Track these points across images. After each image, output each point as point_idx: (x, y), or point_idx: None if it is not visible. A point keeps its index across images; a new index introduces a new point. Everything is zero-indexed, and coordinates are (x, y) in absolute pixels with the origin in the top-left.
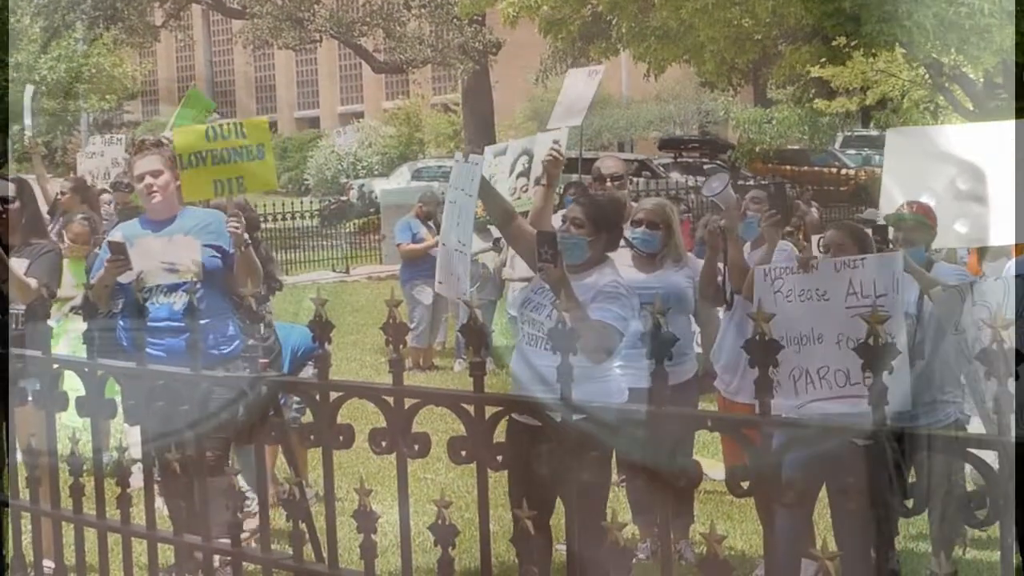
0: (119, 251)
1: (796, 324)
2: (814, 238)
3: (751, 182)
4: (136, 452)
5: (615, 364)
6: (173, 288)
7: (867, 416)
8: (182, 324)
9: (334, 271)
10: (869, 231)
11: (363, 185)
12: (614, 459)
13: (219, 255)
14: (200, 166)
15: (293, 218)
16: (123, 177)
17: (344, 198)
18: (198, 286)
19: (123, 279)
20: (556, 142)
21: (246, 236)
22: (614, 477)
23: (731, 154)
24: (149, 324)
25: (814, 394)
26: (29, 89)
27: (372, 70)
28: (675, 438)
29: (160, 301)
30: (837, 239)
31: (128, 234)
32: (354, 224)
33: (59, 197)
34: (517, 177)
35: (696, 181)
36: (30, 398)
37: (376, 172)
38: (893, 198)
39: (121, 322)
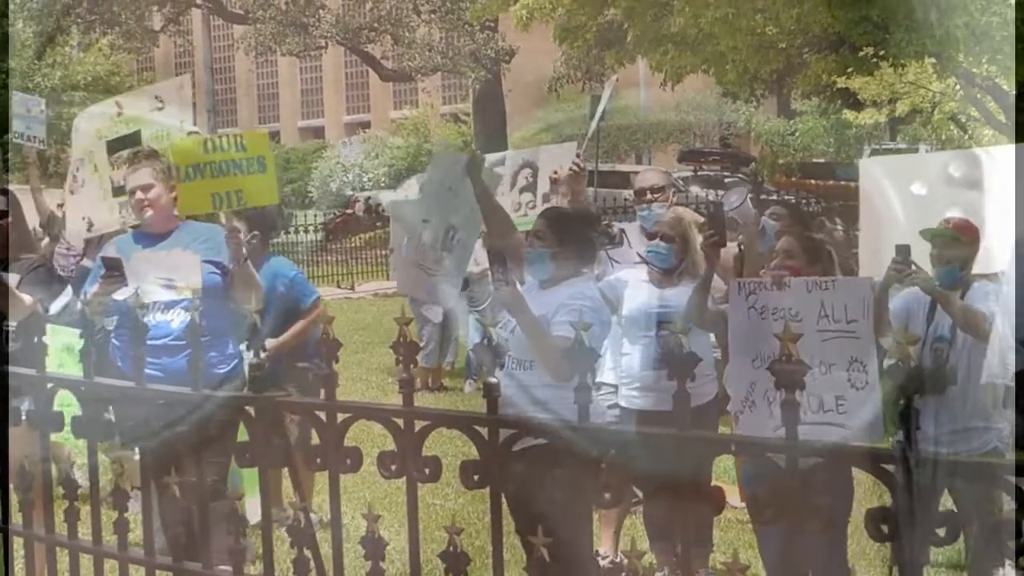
0: (114, 267)
1: (769, 344)
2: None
3: (774, 196)
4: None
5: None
6: (170, 305)
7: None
8: (179, 343)
9: (339, 287)
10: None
11: (369, 198)
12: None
13: (218, 271)
14: (198, 179)
15: (296, 232)
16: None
17: (349, 211)
18: (197, 303)
19: (118, 295)
20: (578, 155)
21: (244, 251)
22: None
23: (753, 167)
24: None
25: None
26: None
27: (379, 78)
28: (696, 462)
29: (157, 319)
30: (785, 246)
31: (121, 248)
32: (360, 238)
33: (60, 210)
34: (521, 192)
35: (717, 195)
36: (24, 418)
37: (383, 184)
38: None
39: (115, 340)
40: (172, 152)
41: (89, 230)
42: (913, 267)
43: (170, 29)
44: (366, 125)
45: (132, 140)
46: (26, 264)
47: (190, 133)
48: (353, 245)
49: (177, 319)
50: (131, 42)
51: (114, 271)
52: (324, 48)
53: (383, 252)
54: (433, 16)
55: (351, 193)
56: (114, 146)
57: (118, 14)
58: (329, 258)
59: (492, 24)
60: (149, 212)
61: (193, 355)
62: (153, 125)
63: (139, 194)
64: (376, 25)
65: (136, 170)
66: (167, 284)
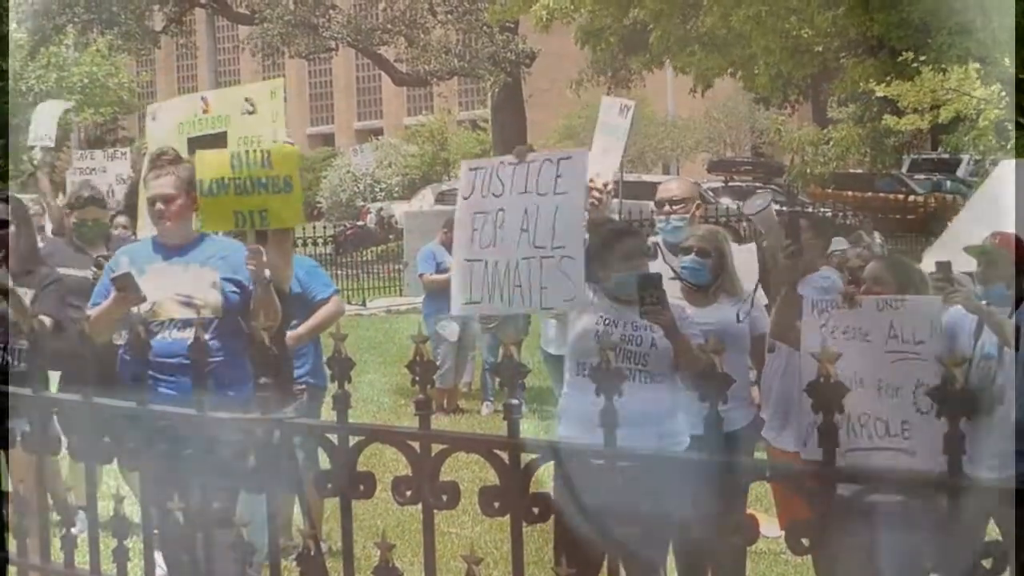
0: (126, 287)
1: (839, 364)
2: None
3: (809, 208)
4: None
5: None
6: (188, 323)
7: (910, 472)
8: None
9: (349, 304)
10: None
11: (381, 209)
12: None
13: (238, 290)
14: (221, 195)
15: (304, 244)
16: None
17: (360, 223)
18: (214, 322)
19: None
20: (592, 181)
21: (266, 273)
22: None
23: (787, 177)
24: (160, 360)
25: (853, 443)
26: (56, 105)
27: (393, 82)
28: (730, 490)
29: (173, 336)
30: (874, 272)
31: (138, 258)
32: (371, 252)
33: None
34: None
35: (739, 205)
36: (19, 439)
37: (396, 195)
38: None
39: (126, 356)
40: (197, 164)
41: None
42: (955, 284)
43: (172, 30)
44: (378, 132)
45: (218, 141)
46: (39, 279)
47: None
48: (364, 259)
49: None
50: (131, 43)
51: (126, 291)
52: (334, 50)
53: (396, 266)
54: (450, 17)
55: (362, 204)
56: (196, 144)
57: (117, 14)
58: (339, 272)
59: (512, 26)
60: (168, 224)
61: (197, 374)
62: (243, 129)
63: (159, 205)
64: (389, 26)
65: (159, 176)
66: (185, 301)
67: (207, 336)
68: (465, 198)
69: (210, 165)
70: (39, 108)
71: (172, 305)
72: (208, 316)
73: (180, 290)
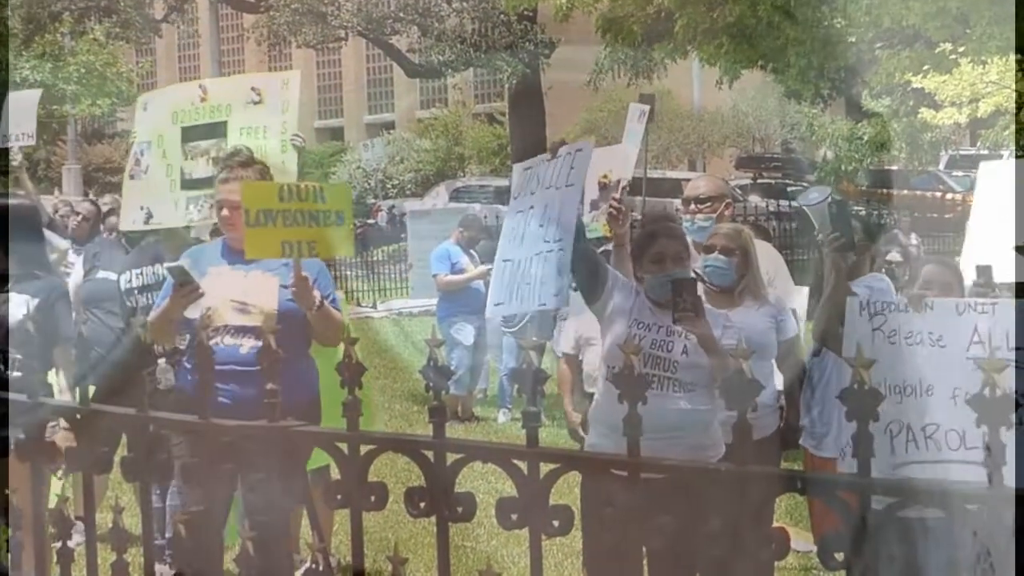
0: (183, 277)
1: (898, 371)
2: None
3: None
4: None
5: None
6: (241, 329)
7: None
8: (251, 370)
9: (359, 305)
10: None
11: (393, 207)
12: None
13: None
14: (268, 225)
15: None
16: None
17: (371, 221)
18: (271, 326)
19: (190, 313)
20: (615, 197)
21: (316, 296)
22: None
23: (819, 174)
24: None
25: (915, 455)
26: (29, 96)
27: (405, 73)
28: (758, 501)
29: (227, 342)
30: (941, 277)
31: (202, 260)
32: (383, 251)
33: (69, 221)
34: None
35: (779, 205)
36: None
37: (408, 192)
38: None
39: (187, 364)
40: (243, 193)
41: (147, 222)
42: (995, 290)
43: (173, 18)
44: (390, 126)
45: (216, 131)
46: (43, 288)
47: (293, 138)
48: (375, 259)
49: (247, 344)
50: (130, 31)
51: (185, 282)
52: (344, 40)
53: (407, 267)
54: (465, 5)
55: (373, 201)
56: (191, 134)
57: (115, 1)
58: (348, 273)
59: (530, 14)
60: (233, 234)
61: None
62: (245, 119)
63: (225, 211)
64: (402, 15)
65: (227, 181)
66: (240, 308)
67: (258, 343)
68: (515, 198)
69: (256, 195)
70: (10, 102)
71: (227, 311)
72: (260, 323)
73: (237, 296)
